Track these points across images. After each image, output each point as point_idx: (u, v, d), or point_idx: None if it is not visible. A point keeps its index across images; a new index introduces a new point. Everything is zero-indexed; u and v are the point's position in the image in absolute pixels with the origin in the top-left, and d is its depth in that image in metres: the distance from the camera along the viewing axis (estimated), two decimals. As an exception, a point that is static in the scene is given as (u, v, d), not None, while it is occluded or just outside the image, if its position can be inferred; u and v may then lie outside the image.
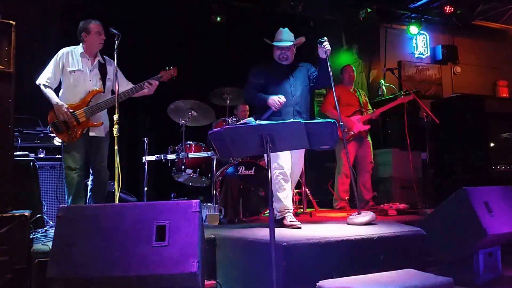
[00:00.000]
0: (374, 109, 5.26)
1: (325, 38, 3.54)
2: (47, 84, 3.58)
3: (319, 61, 3.59)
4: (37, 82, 3.60)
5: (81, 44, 3.71)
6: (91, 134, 3.67)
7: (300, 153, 3.75)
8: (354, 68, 5.39)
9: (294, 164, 3.60)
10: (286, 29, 3.72)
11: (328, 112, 5.15)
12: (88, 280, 2.09)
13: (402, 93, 5.33)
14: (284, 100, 3.45)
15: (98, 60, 3.76)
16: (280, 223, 3.38)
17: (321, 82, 3.78)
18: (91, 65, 3.71)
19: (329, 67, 3.54)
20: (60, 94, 3.66)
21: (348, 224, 3.49)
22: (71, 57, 3.65)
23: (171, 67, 3.86)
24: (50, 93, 3.58)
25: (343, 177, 5.18)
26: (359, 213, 3.54)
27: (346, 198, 5.21)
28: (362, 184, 5.23)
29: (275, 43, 3.65)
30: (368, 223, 3.42)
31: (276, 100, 3.44)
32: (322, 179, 6.08)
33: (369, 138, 5.23)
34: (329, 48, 3.51)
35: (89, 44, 3.68)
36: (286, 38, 3.66)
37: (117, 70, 3.54)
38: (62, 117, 3.52)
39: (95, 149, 3.72)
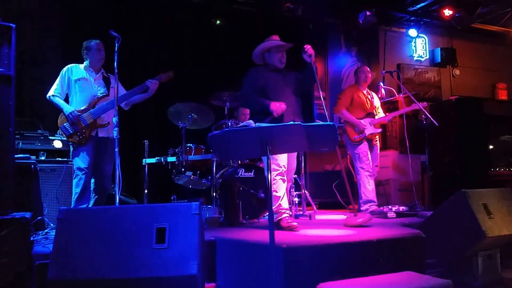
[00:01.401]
0: (387, 113, 5.14)
1: (307, 45, 3.62)
2: (56, 94, 3.82)
3: (305, 65, 3.67)
4: (47, 95, 3.84)
5: (85, 61, 3.97)
6: (100, 135, 3.85)
7: (294, 153, 3.80)
8: (369, 69, 5.22)
9: (288, 163, 3.63)
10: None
11: (341, 113, 5.00)
12: (88, 282, 2.09)
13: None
14: (285, 107, 3.51)
15: (102, 73, 4.00)
16: (278, 224, 3.38)
17: (307, 85, 3.89)
18: (95, 75, 3.96)
19: (314, 70, 3.64)
20: (69, 103, 3.87)
21: (344, 225, 3.51)
22: (76, 69, 3.93)
23: (169, 71, 4.07)
24: (59, 101, 3.81)
25: (368, 178, 4.84)
26: (355, 215, 3.55)
27: (375, 199, 4.85)
28: None
29: (281, 43, 3.71)
30: (364, 225, 3.43)
31: (278, 106, 3.48)
32: (322, 181, 6.09)
33: (377, 142, 5.08)
34: (313, 51, 3.60)
35: (91, 61, 3.95)
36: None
37: (116, 76, 3.65)
38: (71, 119, 3.71)
39: (102, 150, 3.88)
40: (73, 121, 3.72)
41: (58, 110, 3.82)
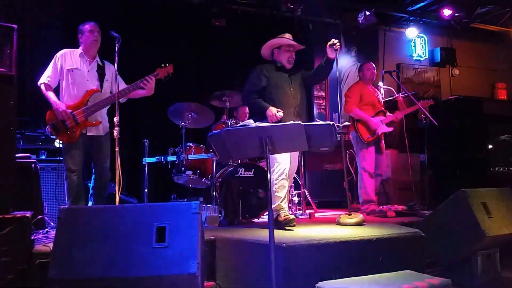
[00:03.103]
0: (397, 111, 5.01)
1: (336, 40, 3.59)
2: (47, 82, 3.63)
3: (326, 59, 3.66)
4: (38, 82, 3.66)
5: (80, 46, 3.79)
6: (89, 133, 3.69)
7: (295, 152, 3.80)
8: (374, 66, 5.06)
9: (290, 162, 3.63)
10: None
11: (353, 112, 4.79)
12: (88, 281, 2.10)
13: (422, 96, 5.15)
14: (282, 115, 3.49)
15: (97, 62, 3.82)
16: (275, 221, 3.39)
17: (319, 79, 3.99)
18: (89, 65, 3.77)
19: (336, 65, 3.65)
20: (59, 94, 3.70)
21: (337, 224, 3.53)
22: (70, 57, 3.72)
23: (167, 64, 3.90)
24: (50, 93, 3.63)
25: (369, 178, 4.78)
26: (349, 214, 3.56)
27: (376, 199, 4.84)
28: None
29: (293, 42, 3.71)
30: (358, 225, 3.45)
31: (274, 113, 3.47)
32: (322, 180, 6.10)
33: (383, 142, 4.93)
34: (339, 46, 3.60)
35: (84, 45, 3.74)
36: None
37: (117, 77, 3.54)
38: (61, 116, 3.54)
39: (96, 149, 3.74)
40: (63, 118, 3.54)
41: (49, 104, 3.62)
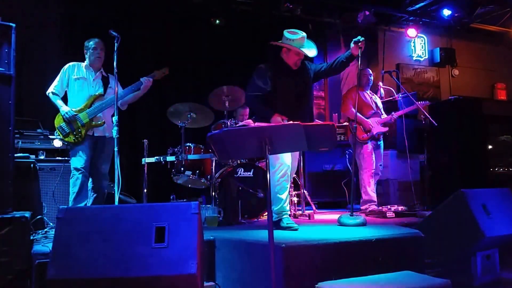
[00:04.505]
0: (393, 112, 5.16)
1: (362, 37, 3.54)
2: (55, 91, 3.86)
3: (349, 55, 3.60)
4: (47, 92, 3.88)
5: (86, 60, 4.02)
6: (96, 134, 3.88)
7: (296, 152, 3.78)
8: (371, 72, 5.28)
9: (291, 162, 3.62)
10: (305, 34, 3.63)
11: (348, 112, 5.05)
12: (87, 282, 2.10)
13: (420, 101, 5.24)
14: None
15: (101, 73, 4.04)
16: (277, 225, 3.39)
17: (334, 73, 3.91)
18: (95, 75, 4.00)
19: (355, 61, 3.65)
20: (67, 101, 3.92)
21: (338, 224, 3.52)
22: (76, 68, 3.97)
23: (164, 67, 4.11)
24: (57, 100, 3.86)
25: (370, 178, 4.90)
26: (351, 215, 3.56)
27: (375, 199, 4.93)
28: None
29: (304, 50, 3.56)
30: (358, 225, 3.44)
31: (279, 121, 3.40)
32: (321, 181, 6.10)
33: (381, 141, 5.13)
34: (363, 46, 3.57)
35: (89, 60, 3.99)
36: (310, 47, 3.64)
37: (116, 76, 3.61)
38: (66, 117, 3.75)
39: (100, 149, 3.92)
40: (69, 120, 3.76)
41: (57, 109, 3.83)
